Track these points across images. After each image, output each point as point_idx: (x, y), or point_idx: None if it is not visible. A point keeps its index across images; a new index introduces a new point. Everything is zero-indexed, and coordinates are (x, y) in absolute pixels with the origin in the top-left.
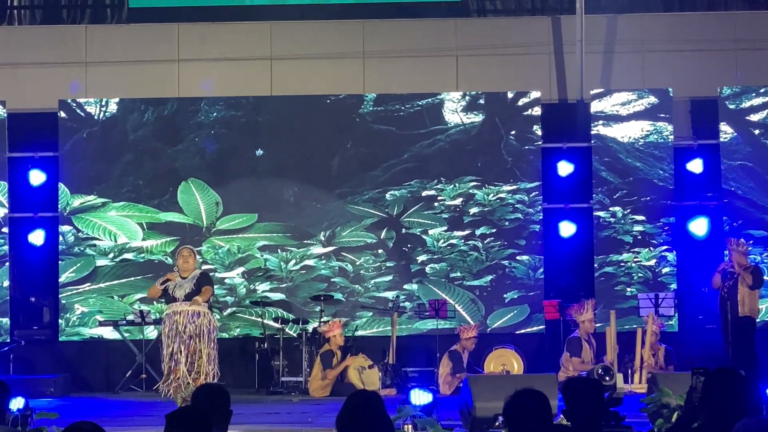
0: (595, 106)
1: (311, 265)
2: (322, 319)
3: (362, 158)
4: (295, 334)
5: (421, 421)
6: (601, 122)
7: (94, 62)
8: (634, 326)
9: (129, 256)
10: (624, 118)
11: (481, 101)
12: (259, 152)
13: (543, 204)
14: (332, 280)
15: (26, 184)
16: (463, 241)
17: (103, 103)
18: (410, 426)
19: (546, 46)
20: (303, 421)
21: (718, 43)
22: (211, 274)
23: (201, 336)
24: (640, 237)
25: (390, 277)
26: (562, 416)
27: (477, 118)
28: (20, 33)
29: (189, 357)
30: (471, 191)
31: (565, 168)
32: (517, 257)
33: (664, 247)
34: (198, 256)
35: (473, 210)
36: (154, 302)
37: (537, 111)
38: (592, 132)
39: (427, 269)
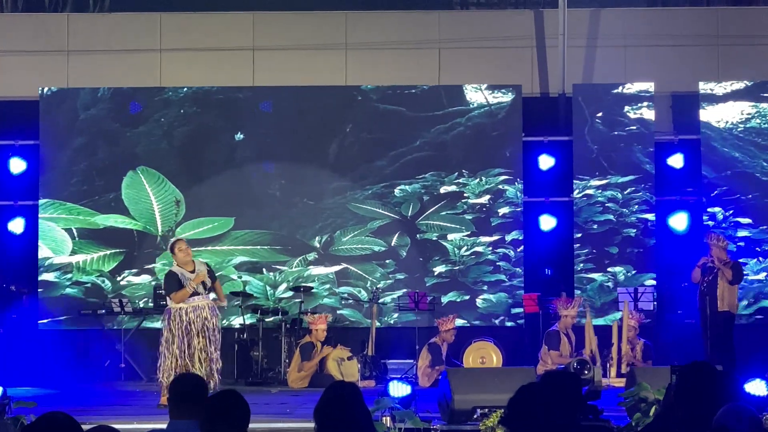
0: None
1: (311, 289)
2: (308, 310)
3: (365, 145)
4: (274, 325)
5: (400, 413)
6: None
7: (76, 51)
8: (611, 321)
9: (49, 277)
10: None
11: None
12: (239, 136)
13: (524, 197)
14: (339, 312)
15: (6, 172)
16: (491, 249)
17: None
18: (388, 418)
19: (528, 39)
20: (281, 412)
21: (700, 38)
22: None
23: (218, 330)
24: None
25: (400, 293)
26: None
27: (505, 97)
28: (2, 21)
29: (217, 349)
30: (500, 187)
31: (545, 161)
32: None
33: None
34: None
35: (503, 210)
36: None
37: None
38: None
39: (479, 301)
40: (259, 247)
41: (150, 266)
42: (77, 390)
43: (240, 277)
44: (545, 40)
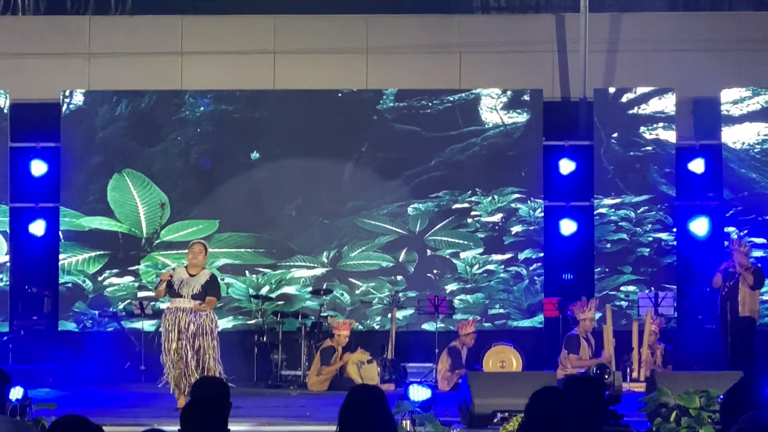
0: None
1: (292, 293)
2: (328, 314)
3: (380, 164)
4: (294, 328)
5: (420, 417)
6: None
7: (98, 54)
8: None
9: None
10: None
11: (526, 98)
12: (255, 155)
13: (544, 202)
14: (322, 315)
15: (28, 175)
16: (503, 267)
17: (67, 93)
18: (408, 421)
19: (549, 44)
20: (301, 415)
21: (722, 43)
22: (152, 304)
23: (204, 334)
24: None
25: (410, 311)
26: None
27: (520, 117)
28: (24, 23)
29: (195, 354)
30: (513, 206)
31: (566, 166)
32: None
33: None
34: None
35: (516, 228)
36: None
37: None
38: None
39: (456, 301)
40: (244, 250)
41: (133, 268)
42: (97, 392)
43: (223, 279)
44: (566, 44)
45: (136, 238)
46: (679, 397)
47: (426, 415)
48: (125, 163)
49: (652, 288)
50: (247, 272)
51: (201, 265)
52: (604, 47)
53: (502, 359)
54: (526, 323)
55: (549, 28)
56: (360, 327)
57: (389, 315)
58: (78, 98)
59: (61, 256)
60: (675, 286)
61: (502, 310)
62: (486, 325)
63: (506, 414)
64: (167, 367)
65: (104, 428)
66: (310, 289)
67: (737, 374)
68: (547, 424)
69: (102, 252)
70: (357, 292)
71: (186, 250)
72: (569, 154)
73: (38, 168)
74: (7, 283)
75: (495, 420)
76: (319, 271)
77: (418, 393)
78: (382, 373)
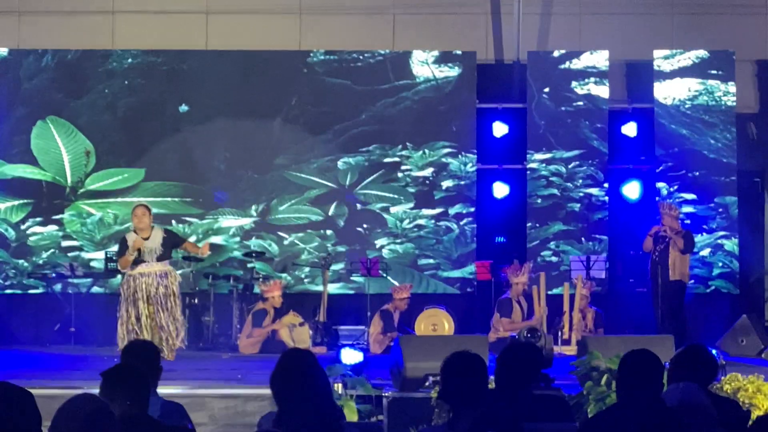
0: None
1: (219, 243)
2: (260, 278)
3: (310, 118)
4: (226, 291)
5: (351, 380)
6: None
7: (28, 12)
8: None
9: None
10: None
11: (458, 52)
12: (184, 108)
13: (477, 165)
14: (249, 266)
15: None
16: (433, 222)
17: None
18: (340, 385)
19: (483, 5)
20: (233, 378)
21: (655, 6)
22: (75, 254)
23: (173, 295)
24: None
25: (341, 266)
26: (491, 378)
27: (452, 72)
28: None
29: (170, 315)
30: (444, 160)
31: (500, 129)
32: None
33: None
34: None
35: (446, 183)
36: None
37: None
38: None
39: (386, 251)
40: (170, 199)
41: (57, 217)
42: (27, 353)
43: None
44: (500, 6)
45: (60, 187)
46: (609, 360)
47: (358, 378)
48: (51, 115)
49: (583, 238)
50: (173, 221)
51: (148, 226)
52: (538, 10)
53: (434, 322)
54: (456, 274)
55: None
56: (289, 278)
57: (320, 276)
58: (3, 50)
59: None
60: (606, 237)
61: (432, 261)
62: (415, 274)
63: (438, 377)
64: (132, 333)
65: (34, 391)
66: (238, 239)
67: (668, 338)
68: (465, 391)
69: (25, 200)
70: (285, 242)
71: (113, 198)
72: (502, 117)
73: None
74: None
75: (427, 383)
76: (247, 221)
77: (350, 356)
78: (314, 336)
